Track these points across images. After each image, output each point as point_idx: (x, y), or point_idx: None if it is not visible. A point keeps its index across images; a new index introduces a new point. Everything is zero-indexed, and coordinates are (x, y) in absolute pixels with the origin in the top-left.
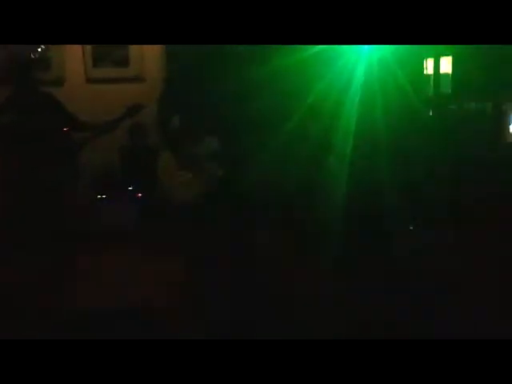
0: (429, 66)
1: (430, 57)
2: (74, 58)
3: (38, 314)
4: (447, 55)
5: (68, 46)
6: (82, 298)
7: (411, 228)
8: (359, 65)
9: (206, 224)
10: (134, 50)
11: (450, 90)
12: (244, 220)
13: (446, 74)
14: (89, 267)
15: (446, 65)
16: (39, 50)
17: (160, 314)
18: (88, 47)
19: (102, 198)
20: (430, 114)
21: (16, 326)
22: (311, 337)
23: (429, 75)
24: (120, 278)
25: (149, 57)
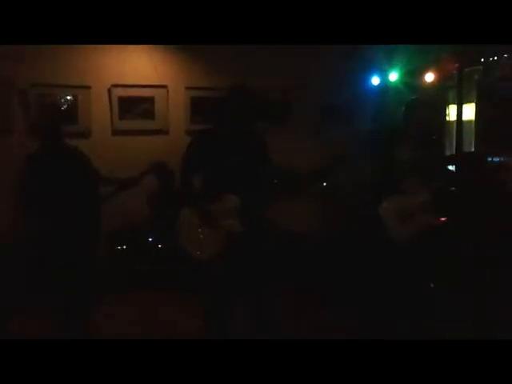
0: None
1: None
2: (100, 110)
3: None
4: None
5: (96, 98)
6: None
7: None
8: None
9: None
10: (160, 103)
11: None
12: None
13: None
14: None
15: None
16: (67, 101)
17: None
18: (115, 99)
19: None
20: None
21: None
22: None
23: None
24: None
25: (174, 110)
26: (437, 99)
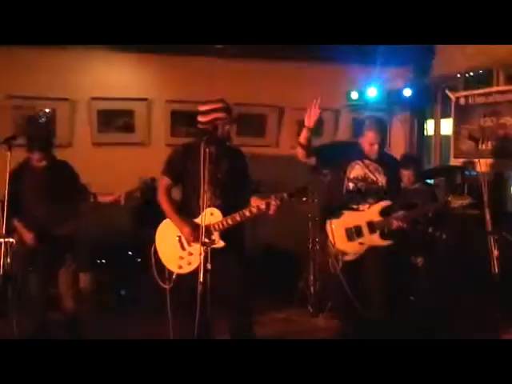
0: None
1: None
2: (80, 123)
3: None
4: None
5: (74, 111)
6: None
7: None
8: None
9: None
10: (140, 116)
11: None
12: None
13: None
14: None
15: None
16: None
17: None
18: (94, 112)
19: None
20: None
21: None
22: None
23: None
24: None
25: (154, 124)
26: None
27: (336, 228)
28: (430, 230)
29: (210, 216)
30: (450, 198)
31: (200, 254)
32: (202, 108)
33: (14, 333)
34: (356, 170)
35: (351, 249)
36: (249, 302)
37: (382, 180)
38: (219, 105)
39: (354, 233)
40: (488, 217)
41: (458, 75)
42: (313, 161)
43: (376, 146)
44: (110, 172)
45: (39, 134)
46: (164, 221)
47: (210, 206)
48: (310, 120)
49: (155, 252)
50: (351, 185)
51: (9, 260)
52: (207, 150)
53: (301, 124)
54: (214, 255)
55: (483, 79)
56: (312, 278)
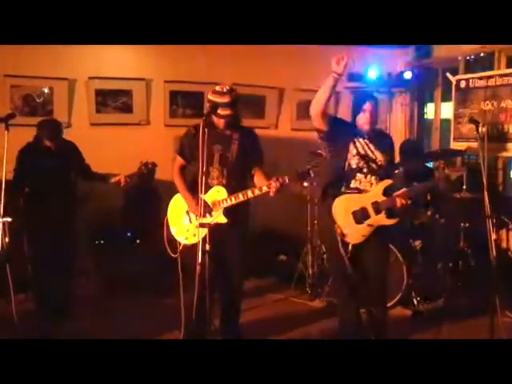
0: None
1: None
2: (78, 103)
3: None
4: None
5: (72, 90)
6: None
7: None
8: None
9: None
10: (138, 96)
11: None
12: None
13: None
14: None
15: None
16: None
17: None
18: (92, 92)
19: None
20: None
21: None
22: None
23: None
24: None
25: (152, 104)
26: None
27: (342, 212)
28: (429, 213)
29: (217, 193)
30: (447, 171)
31: (196, 235)
32: (210, 95)
33: (13, 313)
34: (356, 148)
35: (361, 232)
36: (241, 283)
37: (380, 158)
38: (226, 99)
39: (360, 215)
40: (487, 200)
41: (459, 58)
42: (324, 127)
43: (373, 118)
44: (108, 152)
45: (49, 125)
46: (175, 195)
47: (217, 185)
48: (340, 66)
49: (167, 224)
50: (353, 162)
51: (7, 239)
52: (212, 132)
53: (300, 105)
54: (216, 230)
55: (484, 62)
56: (310, 259)
